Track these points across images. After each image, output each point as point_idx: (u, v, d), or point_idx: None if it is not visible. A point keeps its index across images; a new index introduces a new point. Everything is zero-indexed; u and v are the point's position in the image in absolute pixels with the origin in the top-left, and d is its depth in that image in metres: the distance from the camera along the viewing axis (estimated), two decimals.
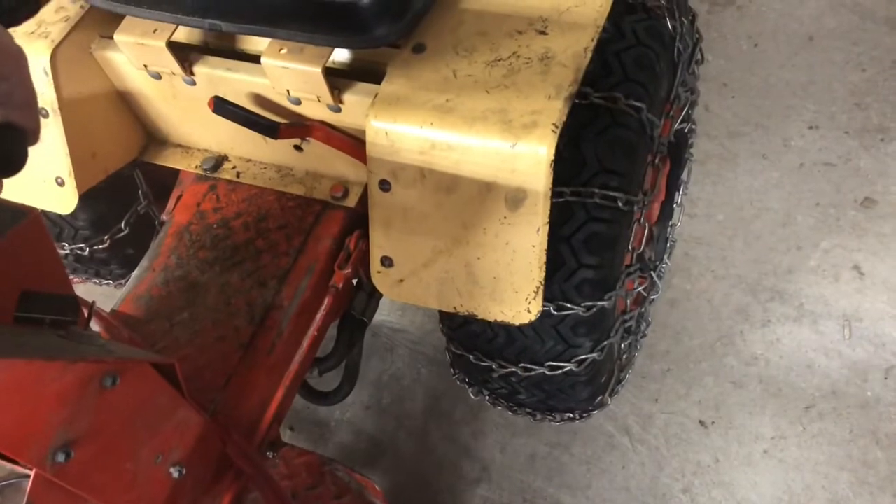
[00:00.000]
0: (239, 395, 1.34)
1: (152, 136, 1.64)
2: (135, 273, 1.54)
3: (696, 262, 2.22)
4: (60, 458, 0.81)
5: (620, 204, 1.29)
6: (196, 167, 1.60)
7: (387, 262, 1.31)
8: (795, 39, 2.62)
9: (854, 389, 1.96)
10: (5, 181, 0.80)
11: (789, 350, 2.05)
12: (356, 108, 1.31)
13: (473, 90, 1.17)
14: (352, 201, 1.50)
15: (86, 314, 0.96)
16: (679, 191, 1.76)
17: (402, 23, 1.23)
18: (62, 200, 1.51)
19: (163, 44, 1.34)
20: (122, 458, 0.91)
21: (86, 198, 1.56)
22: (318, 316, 1.43)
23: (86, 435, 0.83)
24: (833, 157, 2.34)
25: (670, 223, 1.83)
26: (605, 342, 1.46)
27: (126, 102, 1.56)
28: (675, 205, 1.78)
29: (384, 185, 1.24)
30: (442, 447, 2.04)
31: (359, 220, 1.49)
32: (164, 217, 1.65)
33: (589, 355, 1.43)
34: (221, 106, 1.35)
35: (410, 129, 1.17)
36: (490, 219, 1.20)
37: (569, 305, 1.34)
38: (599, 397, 1.64)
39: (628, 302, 1.63)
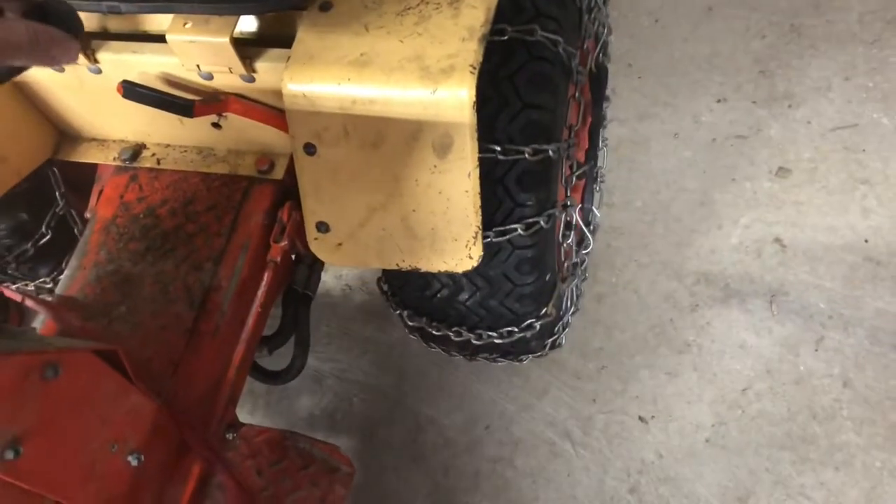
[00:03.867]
0: (189, 381, 1.32)
1: (64, 133, 1.59)
2: (65, 273, 1.49)
3: (619, 253, 2.23)
4: (10, 455, 0.78)
5: (551, 153, 1.29)
6: (114, 159, 1.55)
7: (322, 227, 1.30)
8: (695, 11, 2.63)
9: (787, 366, 2.01)
10: None
11: (720, 333, 2.08)
12: (270, 75, 1.29)
13: (387, 41, 1.16)
14: (278, 173, 1.48)
15: (18, 314, 0.92)
16: (602, 130, 1.78)
17: None
18: None
19: None
20: (75, 450, 0.89)
21: (2, 206, 1.50)
22: (260, 292, 1.41)
23: (33, 429, 0.81)
24: (744, 129, 2.37)
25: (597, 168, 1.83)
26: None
27: (32, 101, 1.50)
28: (599, 149, 1.78)
29: (309, 149, 1.22)
30: (385, 478, 2.02)
31: (289, 192, 1.47)
32: (87, 214, 1.60)
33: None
34: (131, 90, 1.31)
35: (328, 87, 1.16)
36: (420, 169, 1.20)
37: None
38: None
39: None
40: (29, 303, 1.39)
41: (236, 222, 1.46)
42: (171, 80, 1.36)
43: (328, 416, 2.12)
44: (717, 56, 2.51)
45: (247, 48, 1.28)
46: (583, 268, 1.73)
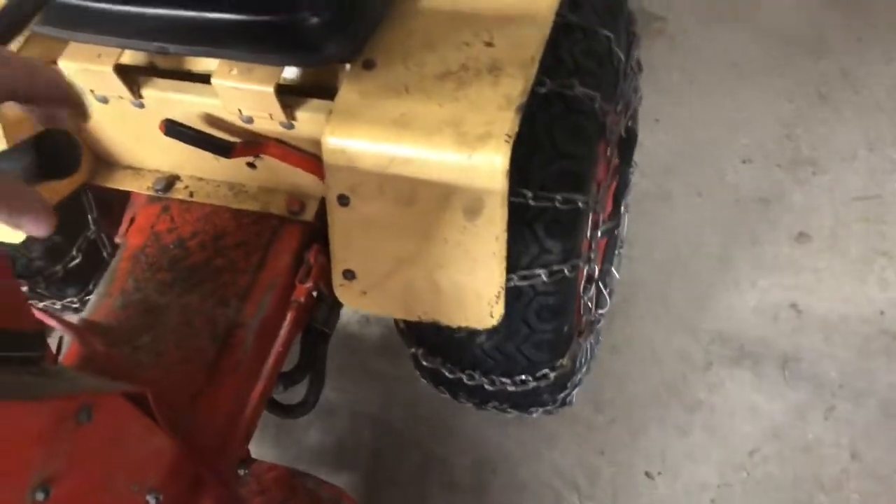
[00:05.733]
0: (207, 415, 1.34)
1: (100, 159, 1.62)
2: (92, 299, 1.52)
3: (635, 305, 2.24)
4: (40, 496, 0.81)
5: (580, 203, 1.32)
6: (147, 188, 1.59)
7: (349, 275, 1.32)
8: (725, 70, 2.66)
9: (796, 432, 2.01)
10: None
11: (732, 393, 2.08)
12: (310, 125, 1.32)
13: (427, 104, 1.19)
14: (309, 215, 1.51)
15: (52, 349, 0.95)
16: (626, 196, 1.80)
17: (351, 40, 1.25)
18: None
19: (109, 69, 1.33)
20: (100, 490, 0.91)
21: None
22: (283, 331, 1.44)
23: (63, 471, 0.83)
24: (767, 191, 2.38)
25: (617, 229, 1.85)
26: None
27: (72, 127, 1.54)
28: (621, 213, 1.81)
29: (343, 201, 1.25)
30: None
31: (317, 234, 1.50)
32: (117, 240, 1.63)
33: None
34: (173, 129, 1.35)
35: (368, 144, 1.19)
36: (450, 228, 1.22)
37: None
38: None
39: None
40: (55, 324, 1.41)
41: (264, 260, 1.48)
42: (211, 120, 1.40)
43: (337, 447, 2.14)
44: (744, 117, 2.54)
45: (289, 97, 1.32)
46: (598, 327, 1.75)
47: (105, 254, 1.75)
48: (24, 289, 1.72)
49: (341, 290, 1.34)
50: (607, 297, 1.73)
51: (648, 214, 2.39)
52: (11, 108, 0.79)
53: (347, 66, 1.28)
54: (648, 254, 2.32)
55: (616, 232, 1.75)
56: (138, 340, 1.43)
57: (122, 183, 1.61)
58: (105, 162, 1.63)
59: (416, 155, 1.17)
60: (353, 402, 2.20)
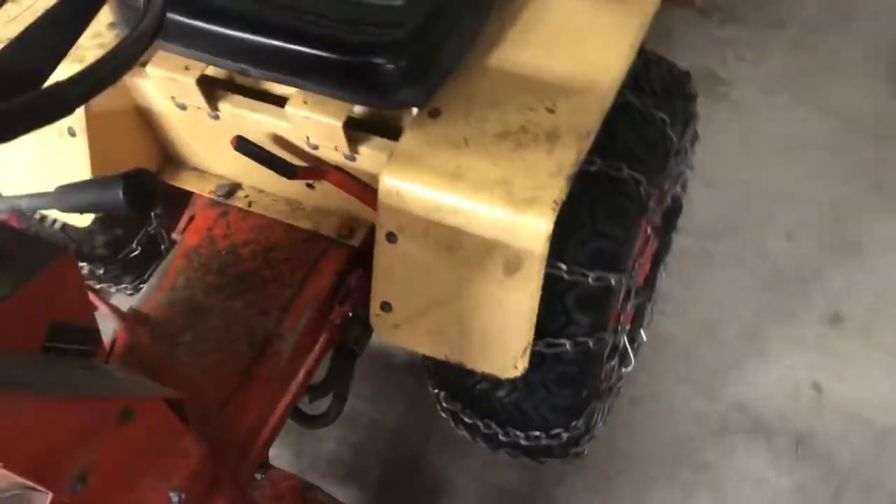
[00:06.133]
0: (235, 419, 1.42)
1: (170, 158, 1.71)
2: (144, 289, 1.61)
3: (660, 362, 2.25)
4: (79, 486, 0.88)
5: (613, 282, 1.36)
6: (210, 192, 1.67)
7: (386, 307, 1.39)
8: (783, 143, 2.64)
9: None
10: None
11: (741, 463, 2.08)
12: (370, 160, 1.39)
13: (482, 160, 1.25)
14: (356, 240, 1.58)
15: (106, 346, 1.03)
16: (665, 258, 1.84)
17: (422, 89, 1.31)
18: (78, 215, 1.58)
19: (192, 81, 1.42)
20: (130, 485, 0.99)
21: (102, 221, 1.64)
22: (316, 348, 1.51)
23: (100, 464, 0.91)
24: (806, 269, 2.37)
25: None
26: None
27: (148, 124, 1.63)
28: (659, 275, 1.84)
29: (390, 237, 1.32)
30: None
31: (361, 259, 1.57)
32: (175, 236, 1.72)
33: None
34: (244, 146, 1.43)
35: (421, 189, 1.25)
36: (486, 279, 1.28)
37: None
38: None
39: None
40: (107, 310, 1.50)
41: (309, 278, 1.56)
42: (279, 141, 1.48)
43: (352, 455, 2.20)
44: (795, 192, 2.55)
45: (355, 131, 1.39)
46: (619, 385, 1.79)
47: (163, 247, 1.84)
48: (84, 271, 1.81)
49: (377, 321, 1.41)
50: (632, 357, 1.77)
51: (687, 274, 2.41)
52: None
53: (414, 110, 1.35)
54: (681, 312, 2.35)
55: (652, 294, 1.79)
56: (181, 337, 1.51)
57: (187, 183, 1.70)
58: (174, 161, 1.72)
59: (464, 207, 1.23)
60: (375, 411, 2.26)
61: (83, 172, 1.53)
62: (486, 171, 1.24)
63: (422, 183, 1.25)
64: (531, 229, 1.20)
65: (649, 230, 1.56)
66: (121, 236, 1.78)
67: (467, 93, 1.33)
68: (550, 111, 1.30)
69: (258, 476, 1.44)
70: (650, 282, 1.76)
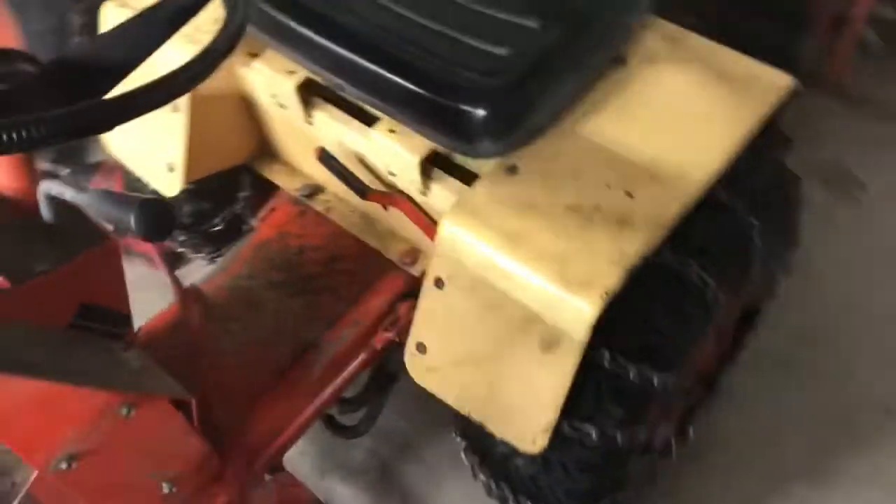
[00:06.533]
0: (258, 418, 1.44)
1: (264, 147, 1.76)
2: (212, 268, 1.67)
3: (707, 460, 2.06)
4: (63, 465, 0.92)
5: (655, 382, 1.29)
6: (294, 189, 1.71)
7: (421, 348, 1.37)
8: None
9: None
10: None
11: None
12: (439, 199, 1.38)
13: (545, 231, 1.21)
14: (416, 270, 1.57)
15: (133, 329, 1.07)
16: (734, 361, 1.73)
17: (505, 142, 1.29)
18: (169, 184, 1.64)
19: (293, 87, 1.45)
20: (121, 472, 1.02)
21: (192, 193, 1.70)
22: (351, 367, 1.51)
23: (92, 451, 0.94)
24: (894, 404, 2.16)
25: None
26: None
27: (248, 112, 1.68)
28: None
29: (438, 283, 1.30)
30: None
31: (417, 290, 1.56)
32: (252, 223, 1.77)
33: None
34: (325, 158, 1.46)
35: (477, 244, 1.23)
36: (522, 349, 1.24)
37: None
38: None
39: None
40: (171, 280, 1.56)
41: (363, 296, 1.56)
42: (361, 159, 1.49)
43: (377, 468, 2.20)
44: None
45: (431, 167, 1.38)
46: (656, 475, 1.71)
47: (243, 227, 1.89)
48: None
49: (410, 360, 1.39)
50: (674, 451, 1.68)
51: (761, 375, 2.27)
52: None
53: (493, 161, 1.33)
54: (738, 420, 2.20)
55: (710, 396, 1.69)
56: (230, 324, 1.55)
57: (275, 176, 1.74)
58: (267, 151, 1.76)
59: (516, 272, 1.20)
60: (410, 430, 2.25)
61: (179, 147, 1.59)
62: (546, 242, 1.20)
63: (480, 237, 1.23)
64: (576, 313, 1.15)
65: (714, 333, 1.47)
66: (206, 210, 1.85)
67: (548, 157, 1.30)
68: (629, 195, 1.24)
69: (268, 477, 1.46)
70: (711, 380, 1.66)
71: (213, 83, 1.56)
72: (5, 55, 0.92)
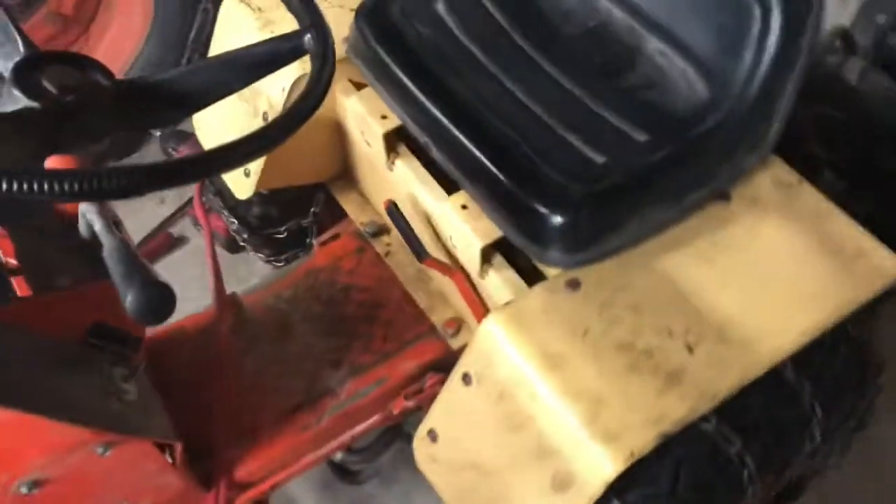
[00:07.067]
0: (255, 452, 1.40)
1: (343, 170, 1.71)
2: (259, 280, 1.64)
3: None
4: (24, 490, 0.89)
5: None
6: (361, 223, 1.66)
7: (432, 435, 1.30)
8: None
9: None
10: None
11: None
12: (494, 288, 1.31)
13: (590, 362, 1.12)
14: (455, 343, 1.50)
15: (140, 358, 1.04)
16: None
17: (575, 256, 1.20)
18: (241, 187, 1.62)
19: (381, 133, 1.40)
20: (88, 500, 0.99)
21: (264, 197, 1.68)
22: (361, 426, 1.46)
23: (58, 480, 0.91)
24: None
25: None
26: None
27: (337, 133, 1.63)
28: None
29: (466, 378, 1.23)
30: None
31: (451, 363, 1.49)
32: (314, 242, 1.73)
33: None
34: (392, 212, 1.40)
35: (516, 355, 1.15)
36: (533, 479, 1.16)
37: None
38: None
39: None
40: (214, 283, 1.53)
41: (392, 355, 1.50)
42: (428, 220, 1.42)
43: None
44: None
45: (494, 253, 1.31)
46: None
47: (307, 240, 1.86)
48: (234, 227, 1.86)
49: (419, 443, 1.33)
50: None
51: None
52: None
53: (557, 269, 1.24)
54: None
55: None
56: (256, 345, 1.52)
57: (347, 203, 1.70)
58: (346, 176, 1.72)
59: (545, 397, 1.11)
60: (412, 484, 2.18)
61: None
62: (586, 376, 1.11)
63: (520, 349, 1.15)
64: (595, 464, 1.06)
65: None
66: (274, 216, 1.82)
67: (616, 282, 1.20)
68: (689, 349, 1.14)
69: None
70: None
71: None
72: (81, 63, 0.89)
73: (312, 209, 1.82)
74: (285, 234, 1.85)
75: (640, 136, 1.23)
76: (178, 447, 1.05)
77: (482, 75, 1.32)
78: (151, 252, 2.25)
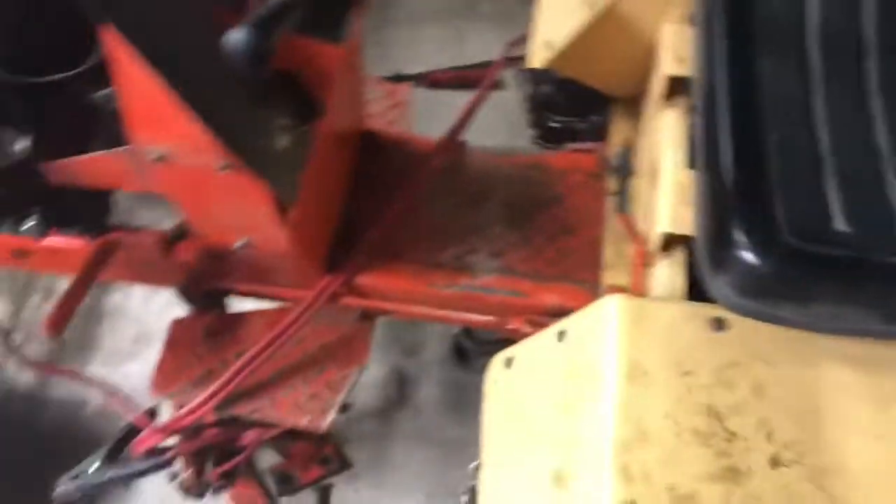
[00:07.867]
0: (379, 271, 1.47)
1: (633, 100, 1.60)
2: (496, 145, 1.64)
3: None
4: (153, 156, 1.02)
5: None
6: (613, 147, 1.58)
7: (508, 362, 1.26)
8: None
9: None
10: None
11: None
12: (656, 275, 1.20)
13: (668, 400, 0.98)
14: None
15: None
16: None
17: (741, 303, 1.01)
18: (535, 55, 1.58)
19: (667, 74, 1.28)
20: (199, 208, 1.11)
21: (560, 83, 1.65)
22: (475, 317, 1.48)
23: (176, 166, 1.03)
24: None
25: None
26: None
27: (647, 60, 1.50)
28: None
29: (561, 335, 1.15)
30: None
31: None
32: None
33: None
34: (622, 153, 1.32)
35: (609, 342, 1.04)
36: (539, 464, 1.08)
37: None
38: None
39: None
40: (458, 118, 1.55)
41: (546, 280, 1.48)
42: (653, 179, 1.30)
43: None
44: None
45: (676, 244, 1.18)
46: None
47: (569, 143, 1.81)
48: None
49: (495, 361, 1.27)
50: None
51: None
52: None
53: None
54: None
55: None
56: (448, 194, 1.56)
57: (615, 129, 1.62)
58: (632, 105, 1.61)
59: (602, 399, 1.01)
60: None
61: (567, 34, 1.50)
62: (652, 408, 0.98)
63: (618, 342, 1.03)
64: (595, 488, 0.96)
65: None
66: (559, 103, 1.77)
67: (760, 352, 1.01)
68: (774, 462, 0.94)
69: None
70: None
71: (640, 16, 1.44)
72: None
73: (593, 116, 1.76)
74: (558, 125, 1.82)
75: None
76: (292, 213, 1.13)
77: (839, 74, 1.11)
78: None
